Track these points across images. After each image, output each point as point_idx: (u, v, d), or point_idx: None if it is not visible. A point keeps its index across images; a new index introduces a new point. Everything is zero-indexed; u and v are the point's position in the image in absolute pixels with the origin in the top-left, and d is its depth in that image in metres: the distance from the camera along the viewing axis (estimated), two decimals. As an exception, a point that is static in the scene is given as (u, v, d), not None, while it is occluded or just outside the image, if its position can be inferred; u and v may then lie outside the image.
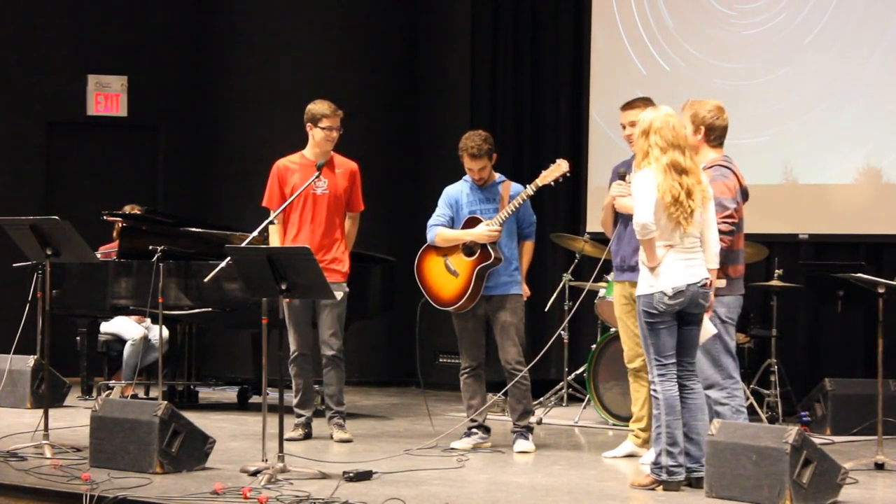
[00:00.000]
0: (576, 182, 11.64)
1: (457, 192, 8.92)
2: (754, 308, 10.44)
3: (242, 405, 11.14)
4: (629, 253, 8.23)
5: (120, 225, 11.15)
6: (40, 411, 8.43)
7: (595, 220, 11.53)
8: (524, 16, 12.77)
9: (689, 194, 7.11)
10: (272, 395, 7.95)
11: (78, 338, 11.48)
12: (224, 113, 13.60)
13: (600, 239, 9.63)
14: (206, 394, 11.72)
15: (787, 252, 10.81)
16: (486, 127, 10.23)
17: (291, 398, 9.12)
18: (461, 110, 12.97)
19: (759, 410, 9.98)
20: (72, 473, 7.36)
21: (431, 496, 7.02)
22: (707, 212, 7.23)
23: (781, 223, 11.08)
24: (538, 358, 8.76)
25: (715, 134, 7.65)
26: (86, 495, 6.84)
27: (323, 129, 9.09)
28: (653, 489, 7.22)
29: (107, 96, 13.79)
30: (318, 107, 9.14)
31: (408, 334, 11.53)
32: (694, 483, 7.22)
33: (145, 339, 11.25)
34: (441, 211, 8.88)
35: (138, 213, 11.31)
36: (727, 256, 7.51)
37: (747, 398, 9.90)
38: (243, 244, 8.23)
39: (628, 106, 8.43)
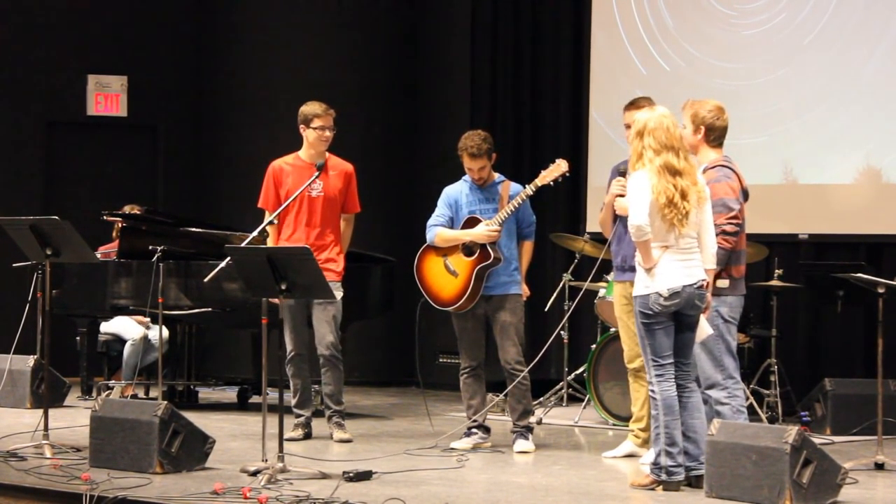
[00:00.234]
0: (576, 182, 11.65)
1: (456, 193, 8.92)
2: (754, 308, 10.45)
3: (242, 405, 11.13)
4: (630, 253, 8.21)
5: (120, 225, 11.16)
6: (40, 411, 8.43)
7: (594, 220, 11.53)
8: (524, 16, 12.77)
9: (683, 196, 7.11)
10: (272, 395, 7.96)
11: (78, 338, 11.48)
12: (224, 113, 13.60)
13: (600, 239, 9.63)
14: (206, 394, 11.72)
15: (787, 252, 10.81)
16: (486, 127, 10.23)
17: (290, 398, 9.12)
18: (461, 110, 12.97)
19: (759, 410, 9.98)
20: (72, 473, 7.36)
21: (431, 496, 7.02)
22: (703, 213, 7.22)
23: (781, 223, 11.07)
24: (538, 359, 8.75)
25: (714, 134, 7.65)
26: (86, 495, 6.85)
27: (315, 129, 9.08)
28: (652, 489, 7.22)
29: (107, 96, 13.79)
30: (309, 108, 9.14)
31: (408, 334, 11.53)
32: (693, 482, 7.22)
33: (145, 339, 11.25)
34: (440, 211, 8.88)
35: (138, 213, 11.31)
36: (731, 257, 7.51)
37: (747, 398, 9.91)
38: (243, 244, 8.23)
39: (631, 105, 8.42)
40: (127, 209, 11.41)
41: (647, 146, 7.17)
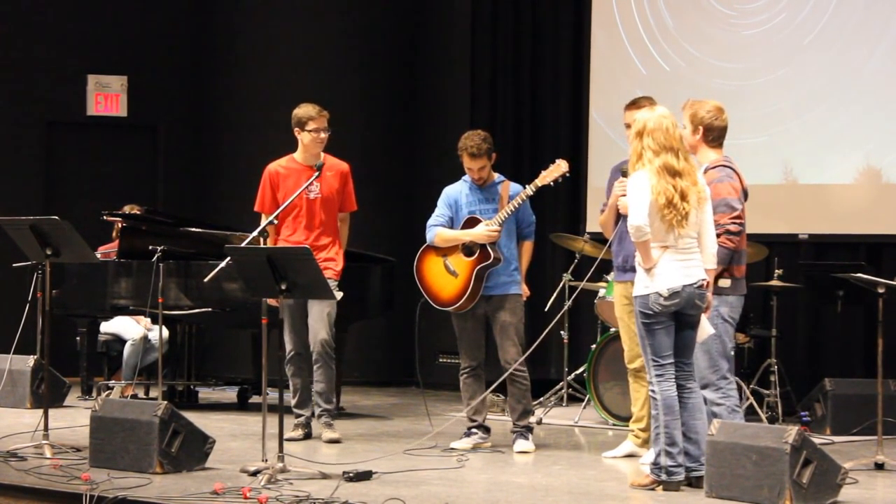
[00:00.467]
0: (576, 182, 11.64)
1: (456, 193, 8.92)
2: (754, 308, 10.44)
3: (242, 405, 11.13)
4: (632, 253, 8.21)
5: (120, 225, 11.16)
6: (40, 411, 8.43)
7: (594, 220, 11.52)
8: (524, 16, 12.77)
9: (683, 196, 7.11)
10: (272, 395, 7.96)
11: (78, 338, 11.48)
12: (224, 113, 13.61)
13: (600, 239, 9.63)
14: (206, 394, 11.72)
15: (787, 252, 10.81)
16: (486, 127, 10.23)
17: (290, 398, 9.12)
18: (461, 110, 12.97)
19: (759, 410, 9.98)
20: (72, 473, 7.36)
21: (431, 496, 7.02)
22: (703, 213, 7.22)
23: (781, 223, 11.08)
24: (529, 352, 8.72)
25: (713, 134, 7.65)
26: (86, 495, 6.85)
27: (310, 131, 9.08)
28: (652, 489, 7.22)
29: (107, 96, 13.80)
30: (303, 110, 9.13)
31: (408, 334, 11.53)
32: (693, 482, 7.22)
33: (145, 339, 11.25)
34: (440, 211, 8.88)
35: (138, 213, 11.31)
36: (733, 256, 7.52)
37: (747, 398, 9.92)
38: (243, 244, 8.23)
39: (632, 105, 8.43)
40: (127, 209, 11.42)
41: (647, 147, 7.17)
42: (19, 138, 13.60)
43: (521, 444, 8.75)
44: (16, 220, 8.51)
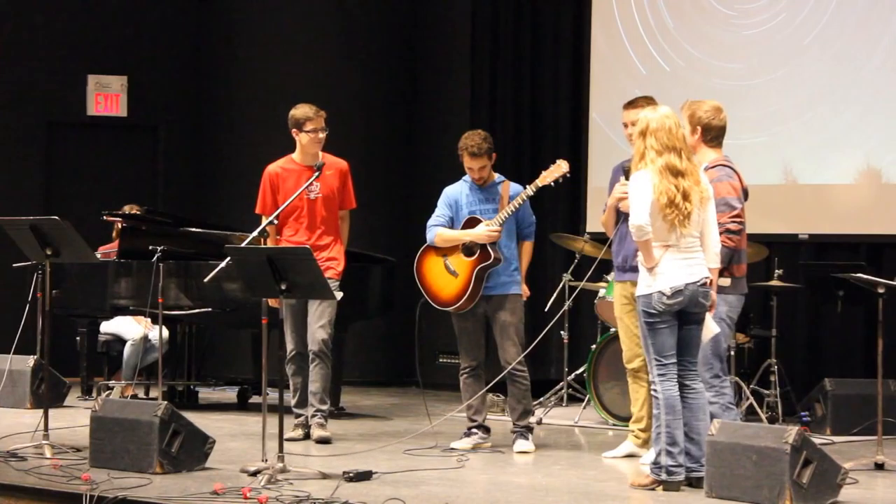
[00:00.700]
0: (576, 182, 11.64)
1: (456, 193, 8.91)
2: (754, 308, 10.44)
3: (242, 405, 11.13)
4: (632, 253, 8.22)
5: (120, 225, 11.16)
6: (40, 411, 8.43)
7: (594, 220, 11.54)
8: (524, 16, 12.76)
9: (685, 196, 7.11)
10: (272, 395, 7.95)
11: (78, 338, 11.48)
12: (224, 113, 13.60)
13: (600, 239, 9.63)
14: (206, 394, 11.72)
15: (787, 252, 10.81)
16: (486, 127, 10.22)
17: (290, 398, 9.12)
18: (461, 110, 12.97)
19: (759, 410, 9.98)
20: (72, 473, 7.36)
21: (431, 496, 7.02)
22: (706, 212, 7.23)
23: (781, 223, 11.07)
24: (528, 350, 8.74)
25: (712, 134, 7.66)
26: (86, 495, 6.84)
27: (308, 132, 9.08)
28: (653, 489, 7.22)
29: (107, 96, 13.79)
30: (300, 111, 9.13)
31: (408, 334, 11.53)
32: (694, 483, 7.22)
33: (145, 339, 11.25)
34: (440, 211, 8.88)
35: (138, 213, 11.31)
36: (733, 256, 7.52)
37: (747, 398, 9.92)
38: (243, 244, 8.23)
39: (630, 105, 8.43)
40: (127, 209, 11.41)
41: (650, 147, 7.18)
42: (19, 138, 13.60)
43: (521, 445, 8.75)
44: (16, 220, 8.51)
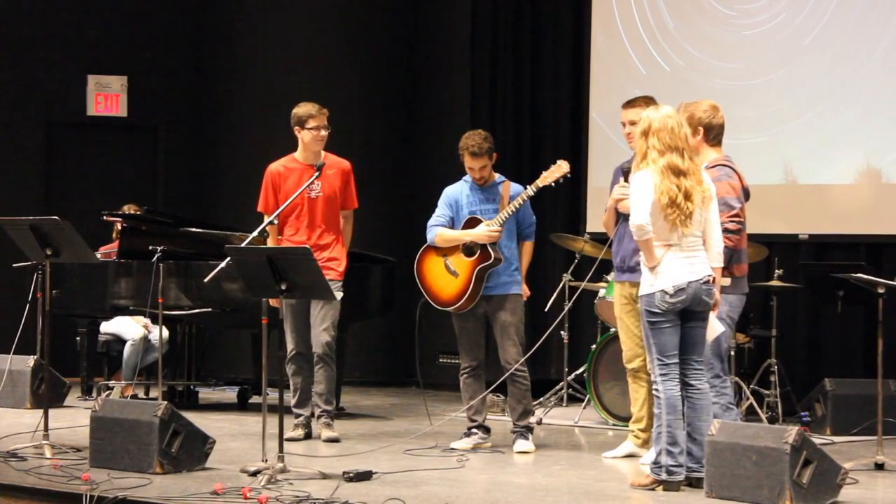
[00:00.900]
0: (576, 182, 11.63)
1: (457, 193, 8.92)
2: (754, 308, 10.44)
3: (242, 405, 11.13)
4: (629, 253, 8.24)
5: (120, 225, 11.16)
6: (40, 411, 8.43)
7: (594, 220, 11.54)
8: (524, 16, 12.76)
9: (687, 196, 7.11)
10: (272, 395, 7.95)
11: (78, 338, 11.48)
12: (224, 113, 13.60)
13: (600, 239, 9.63)
14: (206, 394, 11.72)
15: (787, 252, 10.81)
16: (486, 127, 10.23)
17: (290, 398, 9.12)
18: (461, 110, 12.97)
19: (759, 410, 9.97)
20: (72, 473, 7.36)
21: (431, 496, 7.02)
22: (708, 211, 7.23)
23: (781, 223, 11.07)
24: (531, 353, 8.76)
25: (713, 132, 7.67)
26: (86, 495, 6.85)
27: (311, 129, 9.08)
28: (653, 489, 7.22)
29: (107, 96, 13.79)
30: (302, 109, 9.13)
31: (408, 334, 11.53)
32: (694, 483, 7.22)
33: (145, 339, 11.25)
34: (441, 211, 8.88)
35: (138, 213, 11.31)
36: (732, 255, 7.52)
37: (747, 398, 9.92)
38: (243, 244, 8.23)
39: (629, 104, 8.43)
40: (127, 209, 11.41)
41: (652, 147, 7.18)
42: (19, 138, 13.60)
43: (521, 445, 8.75)
44: (16, 220, 8.51)
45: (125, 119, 13.82)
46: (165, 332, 10.85)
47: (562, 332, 11.10)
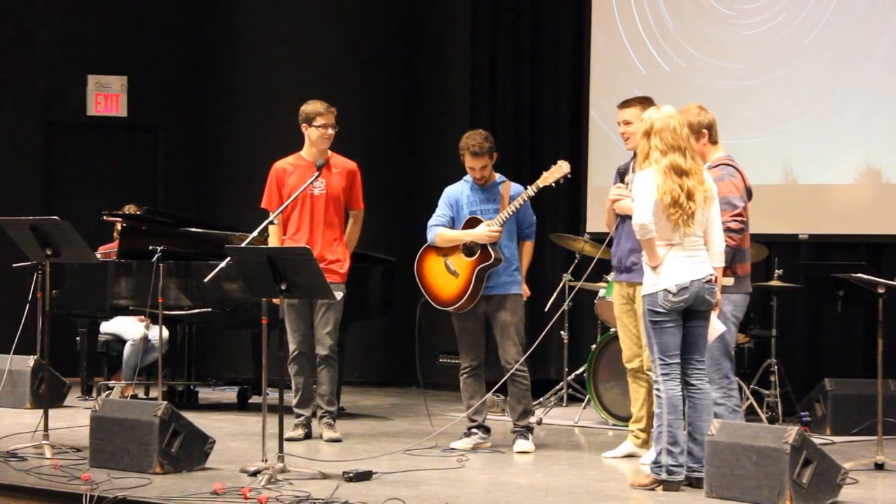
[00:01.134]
0: (576, 182, 11.62)
1: (457, 193, 8.92)
2: (754, 308, 10.42)
3: (242, 405, 11.13)
4: (625, 254, 8.25)
5: (120, 225, 11.16)
6: (40, 411, 8.43)
7: (594, 220, 11.55)
8: (524, 16, 12.77)
9: (689, 196, 7.12)
10: (272, 395, 7.95)
11: (78, 338, 11.48)
12: (224, 113, 13.61)
13: (600, 239, 9.63)
14: (206, 394, 11.72)
15: (787, 252, 10.81)
16: (486, 127, 10.22)
17: (291, 398, 9.12)
18: (461, 110, 12.97)
19: (759, 410, 9.98)
20: (72, 473, 7.36)
21: (431, 496, 7.02)
22: (710, 211, 7.23)
23: (781, 223, 11.07)
24: (530, 352, 8.76)
25: (714, 131, 7.68)
26: (86, 495, 6.85)
27: (318, 127, 9.09)
28: (653, 489, 7.22)
29: (107, 96, 13.79)
30: (311, 106, 9.14)
31: (408, 334, 11.53)
32: (694, 483, 7.22)
33: (145, 339, 11.25)
34: (441, 211, 8.88)
35: (138, 213, 11.31)
36: (735, 254, 7.52)
37: (747, 398, 9.92)
38: (243, 244, 8.23)
39: (625, 104, 8.43)
40: (127, 209, 11.41)
41: (654, 147, 7.18)
42: (19, 138, 13.60)
43: (521, 445, 8.75)
44: (16, 220, 8.51)
45: (125, 119, 13.83)
46: (165, 332, 10.85)
47: (562, 332, 11.11)
